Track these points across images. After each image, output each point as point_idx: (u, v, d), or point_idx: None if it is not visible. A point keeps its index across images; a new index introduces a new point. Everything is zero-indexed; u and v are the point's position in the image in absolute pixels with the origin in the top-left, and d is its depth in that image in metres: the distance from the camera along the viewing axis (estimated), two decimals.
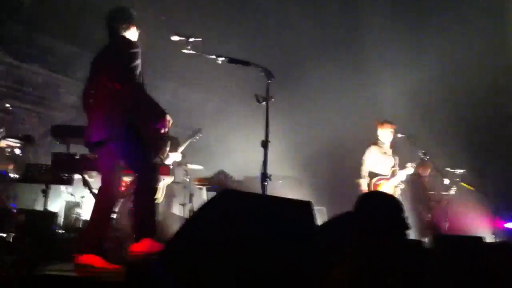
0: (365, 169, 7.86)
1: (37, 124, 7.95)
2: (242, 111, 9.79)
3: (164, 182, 7.13)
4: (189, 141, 7.93)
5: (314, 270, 2.79)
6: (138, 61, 4.53)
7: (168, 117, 4.63)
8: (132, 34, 4.80)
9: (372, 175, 7.83)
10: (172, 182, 7.83)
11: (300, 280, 3.03)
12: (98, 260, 4.32)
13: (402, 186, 7.79)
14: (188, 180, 8.50)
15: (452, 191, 7.72)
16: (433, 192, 8.62)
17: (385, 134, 7.93)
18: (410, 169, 7.75)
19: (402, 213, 2.83)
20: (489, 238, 7.84)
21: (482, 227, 8.56)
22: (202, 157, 8.74)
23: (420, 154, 7.71)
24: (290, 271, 3.28)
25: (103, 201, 4.60)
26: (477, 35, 9.98)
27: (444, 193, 7.74)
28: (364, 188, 7.75)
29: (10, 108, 6.73)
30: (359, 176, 7.87)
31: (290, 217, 3.63)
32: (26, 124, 7.34)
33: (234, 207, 3.34)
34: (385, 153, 7.94)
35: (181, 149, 7.83)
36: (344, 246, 2.82)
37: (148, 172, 4.58)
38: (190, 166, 8.46)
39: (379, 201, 2.90)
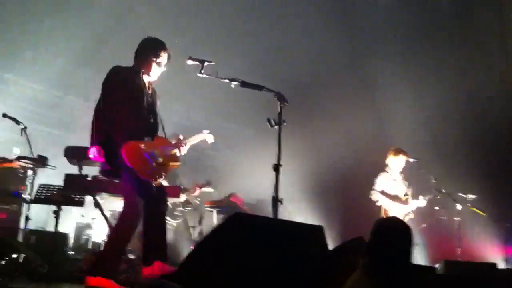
0: (377, 188, 7.69)
1: (51, 145, 7.99)
2: (253, 134, 9.83)
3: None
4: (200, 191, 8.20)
5: None
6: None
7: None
8: (148, 64, 4.78)
9: (386, 195, 7.66)
10: (183, 204, 7.87)
11: None
12: (109, 283, 4.31)
13: (412, 215, 7.63)
14: (198, 202, 8.51)
15: (459, 215, 7.60)
16: (445, 217, 8.53)
17: (398, 162, 7.77)
18: (422, 201, 7.60)
19: (411, 245, 2.89)
20: (501, 265, 7.75)
21: (494, 253, 8.47)
22: (213, 180, 8.73)
23: (432, 179, 7.62)
24: None
25: (123, 225, 4.56)
26: (488, 62, 10.03)
27: (455, 218, 7.65)
28: (380, 198, 7.58)
29: (25, 129, 6.76)
30: (370, 200, 7.72)
31: (302, 241, 3.62)
32: (40, 145, 7.36)
33: (245, 230, 3.34)
34: (394, 180, 7.80)
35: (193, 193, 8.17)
36: (355, 271, 2.82)
37: (156, 196, 4.56)
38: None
39: (393, 229, 2.93)
